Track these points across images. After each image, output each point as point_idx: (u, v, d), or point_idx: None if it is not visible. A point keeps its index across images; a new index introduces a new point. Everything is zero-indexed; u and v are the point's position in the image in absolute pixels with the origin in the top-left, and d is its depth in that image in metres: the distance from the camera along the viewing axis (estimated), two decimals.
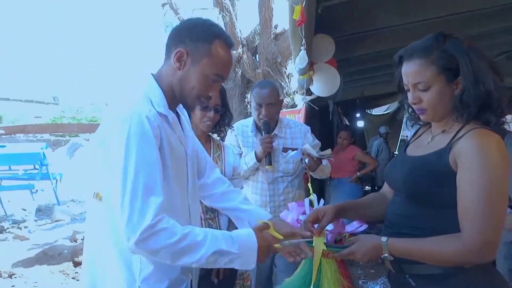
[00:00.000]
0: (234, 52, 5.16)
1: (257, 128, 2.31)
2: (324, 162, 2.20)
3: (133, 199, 1.01)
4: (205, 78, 1.17)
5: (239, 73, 5.30)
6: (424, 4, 2.70)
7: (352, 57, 3.74)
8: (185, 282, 1.24)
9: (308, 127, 2.40)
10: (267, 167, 2.16)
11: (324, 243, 1.22)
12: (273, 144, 2.15)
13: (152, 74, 1.23)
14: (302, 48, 2.12)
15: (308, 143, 2.25)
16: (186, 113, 1.36)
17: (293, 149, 2.19)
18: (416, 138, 1.29)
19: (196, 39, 1.15)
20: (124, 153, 1.04)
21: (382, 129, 7.17)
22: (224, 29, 1.26)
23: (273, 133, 2.25)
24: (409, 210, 1.16)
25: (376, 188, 6.80)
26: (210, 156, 1.92)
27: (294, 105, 5.53)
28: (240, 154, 2.29)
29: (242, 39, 5.30)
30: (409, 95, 1.15)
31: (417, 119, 1.24)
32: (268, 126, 2.20)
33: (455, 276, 1.07)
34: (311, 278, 1.23)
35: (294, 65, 2.51)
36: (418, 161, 1.16)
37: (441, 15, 2.86)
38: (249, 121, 2.38)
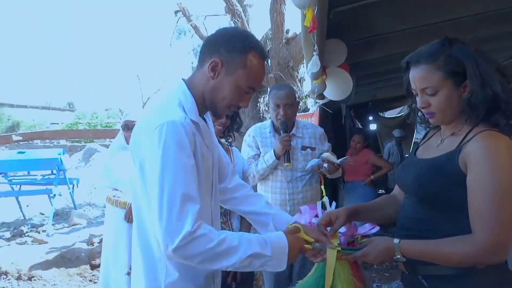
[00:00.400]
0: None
1: (275, 129, 2.43)
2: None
3: (172, 206, 1.03)
4: (238, 89, 1.17)
5: None
6: (434, 8, 2.71)
7: (363, 61, 3.76)
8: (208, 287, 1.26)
9: (322, 129, 2.52)
10: (285, 165, 2.25)
11: (338, 244, 1.25)
12: (291, 142, 2.25)
13: (183, 79, 1.24)
14: (314, 53, 2.17)
15: (324, 146, 2.40)
16: (211, 120, 1.38)
17: (311, 148, 2.36)
18: (426, 141, 1.31)
19: (232, 49, 1.15)
20: (160, 160, 1.05)
21: (396, 133, 7.00)
22: (259, 40, 1.27)
23: (291, 133, 2.35)
24: (419, 212, 1.18)
25: (389, 191, 6.72)
26: None
27: (306, 109, 5.56)
28: (258, 155, 2.40)
29: None
30: (418, 99, 1.17)
31: (427, 122, 1.25)
32: (286, 125, 2.31)
33: (468, 276, 1.08)
34: (324, 281, 1.25)
35: (307, 70, 2.55)
36: (428, 163, 1.18)
37: (452, 17, 2.86)
38: (267, 123, 2.50)
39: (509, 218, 1.02)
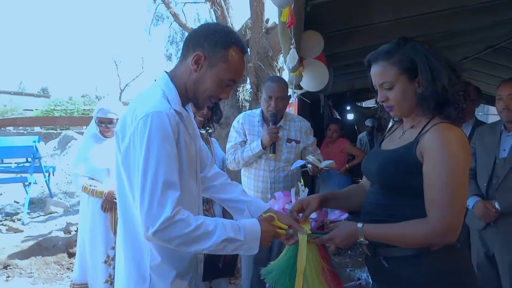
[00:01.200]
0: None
1: (264, 119, 2.50)
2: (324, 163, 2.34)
3: (153, 192, 1.10)
4: (220, 81, 1.24)
5: None
6: (410, 1, 2.78)
7: (341, 52, 3.81)
8: (191, 271, 1.33)
9: (309, 123, 2.60)
10: (270, 155, 2.37)
11: (310, 229, 1.35)
12: (278, 134, 2.35)
13: (166, 72, 1.30)
14: (291, 46, 2.21)
15: (309, 140, 2.52)
16: (192, 111, 1.44)
17: (296, 141, 2.47)
18: (391, 133, 1.41)
19: (215, 44, 1.21)
20: (145, 149, 1.12)
21: (368, 122, 7.04)
22: (239, 36, 1.34)
23: (278, 125, 2.44)
24: (383, 199, 1.28)
25: None
26: None
27: None
28: (245, 142, 2.49)
29: None
30: (378, 94, 1.28)
31: (390, 115, 1.35)
32: (275, 117, 2.40)
33: (424, 257, 1.18)
34: (295, 261, 1.35)
35: (285, 64, 2.60)
36: (390, 154, 1.28)
37: (428, 11, 2.94)
38: (257, 112, 2.57)
39: (459, 203, 1.13)
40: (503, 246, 2.08)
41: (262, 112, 2.51)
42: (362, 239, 1.22)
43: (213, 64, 1.22)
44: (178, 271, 1.26)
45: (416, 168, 1.18)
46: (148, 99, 1.20)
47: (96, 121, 2.72)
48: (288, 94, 2.52)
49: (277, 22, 5.10)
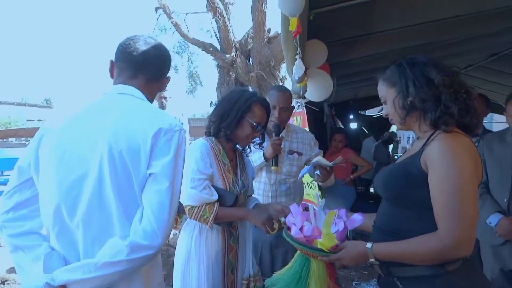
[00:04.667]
0: (227, 56, 5.17)
1: (266, 130, 2.31)
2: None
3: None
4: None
5: (233, 76, 5.32)
6: (414, 10, 2.75)
7: (344, 61, 3.78)
8: None
9: (312, 135, 2.48)
10: (273, 168, 2.22)
11: (314, 248, 1.31)
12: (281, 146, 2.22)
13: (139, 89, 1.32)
14: (297, 57, 2.15)
15: (313, 151, 2.36)
16: None
17: (298, 153, 2.32)
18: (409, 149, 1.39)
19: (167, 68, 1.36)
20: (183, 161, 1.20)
21: (386, 134, 6.78)
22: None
23: (280, 135, 2.30)
24: (391, 212, 1.25)
25: (368, 189, 6.80)
26: (239, 162, 1.97)
27: None
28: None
29: (236, 42, 5.32)
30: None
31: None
32: (278, 128, 2.26)
33: (441, 277, 1.12)
34: (300, 276, 1.34)
35: (292, 75, 2.54)
36: (396, 166, 1.28)
37: (431, 19, 2.91)
38: None
39: (468, 214, 1.07)
40: None
41: None
42: (372, 260, 1.17)
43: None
44: None
45: (421, 179, 1.14)
46: (161, 111, 1.24)
47: None
48: (292, 104, 2.43)
49: (279, 32, 5.11)
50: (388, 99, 1.29)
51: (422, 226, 1.13)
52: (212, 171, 1.77)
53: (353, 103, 7.98)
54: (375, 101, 8.34)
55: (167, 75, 1.33)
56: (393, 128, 7.71)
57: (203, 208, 1.70)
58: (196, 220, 1.73)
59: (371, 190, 6.69)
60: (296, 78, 2.46)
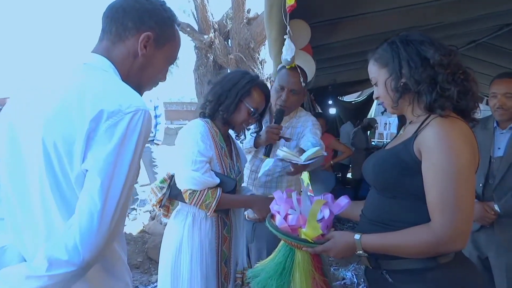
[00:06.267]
0: (205, 36, 4.99)
1: (263, 116, 1.97)
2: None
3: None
4: (166, 63, 1.11)
5: (211, 58, 5.14)
6: None
7: (325, 44, 3.70)
8: None
9: (314, 118, 2.15)
10: (263, 156, 1.92)
11: (298, 238, 1.24)
12: (279, 136, 1.90)
13: (104, 56, 1.04)
14: (286, 37, 1.98)
15: (309, 132, 2.00)
16: None
17: (286, 139, 1.94)
18: (397, 135, 1.31)
19: (162, 22, 1.06)
20: (133, 152, 0.92)
21: (365, 120, 6.68)
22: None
23: (285, 125, 2.03)
24: (380, 202, 1.17)
25: (345, 175, 6.83)
26: (233, 147, 1.85)
27: None
28: None
29: (214, 23, 5.12)
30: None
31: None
32: (281, 115, 1.95)
33: (432, 270, 1.06)
34: (283, 268, 1.28)
35: (270, 55, 2.39)
36: (386, 153, 1.19)
37: (414, 3, 2.85)
38: None
39: (465, 205, 1.00)
40: (499, 248, 1.99)
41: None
42: (360, 252, 1.10)
43: (161, 45, 1.06)
44: None
45: (414, 167, 1.06)
46: (117, 87, 0.93)
47: None
48: (305, 89, 2.08)
49: (259, 12, 4.95)
50: (379, 81, 1.20)
51: (414, 217, 1.06)
52: (212, 154, 1.64)
53: (332, 89, 7.96)
54: (354, 87, 8.39)
55: (143, 31, 1.01)
56: (372, 115, 7.73)
57: (205, 193, 1.57)
58: (196, 206, 1.59)
59: (348, 175, 6.74)
60: (288, 60, 2.12)
